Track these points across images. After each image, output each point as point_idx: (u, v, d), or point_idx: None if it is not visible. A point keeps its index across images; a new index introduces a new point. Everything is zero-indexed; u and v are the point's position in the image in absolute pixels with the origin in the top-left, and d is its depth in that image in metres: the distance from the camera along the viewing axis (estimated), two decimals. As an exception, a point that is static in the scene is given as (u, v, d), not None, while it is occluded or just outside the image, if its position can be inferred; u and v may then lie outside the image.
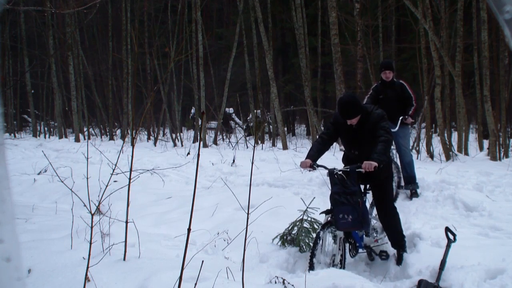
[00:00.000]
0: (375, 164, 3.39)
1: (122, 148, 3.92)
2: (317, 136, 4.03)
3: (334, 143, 10.37)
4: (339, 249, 3.65)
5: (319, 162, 3.78)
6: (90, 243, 2.82)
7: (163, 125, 20.54)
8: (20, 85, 21.83)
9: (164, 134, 20.20)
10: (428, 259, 3.68)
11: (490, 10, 8.52)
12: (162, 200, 6.23)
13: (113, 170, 3.12)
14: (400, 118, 5.69)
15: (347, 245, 3.77)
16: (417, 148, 10.53)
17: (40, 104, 23.70)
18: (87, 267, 2.72)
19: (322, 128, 13.60)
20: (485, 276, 3.30)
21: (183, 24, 17.17)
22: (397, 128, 5.65)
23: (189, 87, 17.74)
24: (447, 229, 3.55)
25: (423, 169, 6.98)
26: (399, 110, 5.78)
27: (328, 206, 3.80)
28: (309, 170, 3.75)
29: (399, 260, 3.88)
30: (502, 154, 10.43)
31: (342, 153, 4.16)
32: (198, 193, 6.24)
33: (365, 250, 4.01)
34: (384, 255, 3.95)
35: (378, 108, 3.81)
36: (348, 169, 3.58)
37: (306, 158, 3.74)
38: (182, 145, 15.19)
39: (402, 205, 5.46)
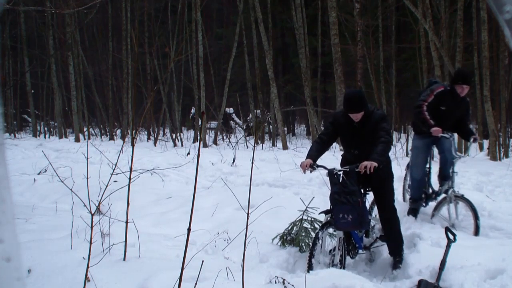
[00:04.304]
0: (375, 164, 3.38)
1: (122, 148, 3.93)
2: (317, 137, 4.03)
3: (334, 143, 10.38)
4: (339, 249, 3.64)
5: (319, 162, 3.78)
6: (90, 243, 2.82)
7: (163, 125, 20.54)
8: (20, 85, 21.82)
9: (164, 134, 20.19)
10: (428, 259, 3.67)
11: (490, 10, 8.52)
12: (162, 200, 6.22)
13: (113, 170, 3.12)
14: (472, 138, 5.21)
15: (346, 245, 3.77)
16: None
17: (40, 104, 23.69)
18: (87, 267, 2.72)
19: (322, 128, 13.59)
20: (485, 276, 3.29)
21: (183, 24, 17.17)
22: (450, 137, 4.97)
23: (189, 87, 17.75)
24: (447, 229, 3.55)
25: (423, 169, 6.96)
26: (454, 124, 5.17)
27: (328, 206, 3.80)
28: (309, 171, 3.75)
29: (395, 267, 3.85)
30: (502, 154, 10.43)
31: (342, 153, 4.15)
32: (198, 193, 6.24)
33: (365, 251, 4.01)
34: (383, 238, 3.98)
35: (379, 109, 3.83)
36: (348, 169, 3.58)
37: (306, 158, 3.74)
38: (182, 145, 15.19)
39: (402, 205, 5.45)
